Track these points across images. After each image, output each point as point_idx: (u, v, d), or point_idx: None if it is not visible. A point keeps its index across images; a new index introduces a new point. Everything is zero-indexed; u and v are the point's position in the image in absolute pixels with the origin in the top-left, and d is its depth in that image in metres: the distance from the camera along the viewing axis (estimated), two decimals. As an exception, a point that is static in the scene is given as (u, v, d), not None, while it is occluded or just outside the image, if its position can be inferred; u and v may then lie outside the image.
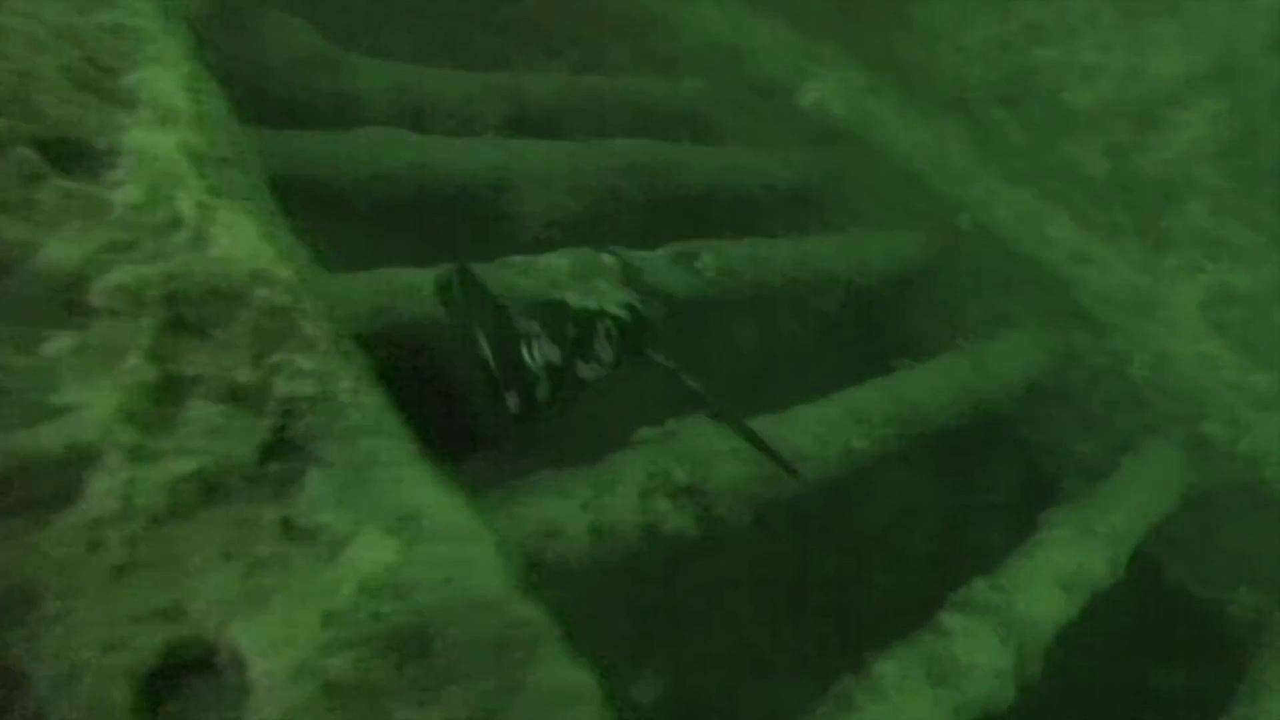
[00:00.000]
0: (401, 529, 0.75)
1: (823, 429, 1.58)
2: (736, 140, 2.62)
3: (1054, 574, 1.62)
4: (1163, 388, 2.19)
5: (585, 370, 1.25)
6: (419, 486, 0.80)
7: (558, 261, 1.59)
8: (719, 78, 2.64)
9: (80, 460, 0.70)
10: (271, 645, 0.63)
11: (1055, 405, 2.33)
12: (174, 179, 1.04)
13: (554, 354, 1.22)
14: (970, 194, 2.50)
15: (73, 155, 1.03)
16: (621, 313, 1.30)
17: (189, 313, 0.86)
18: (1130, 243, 2.43)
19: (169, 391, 0.78)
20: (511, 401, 1.18)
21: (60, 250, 0.86)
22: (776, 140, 2.59)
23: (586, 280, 1.47)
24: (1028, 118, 2.58)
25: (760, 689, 2.54)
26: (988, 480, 2.54)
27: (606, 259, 1.67)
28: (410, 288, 1.32)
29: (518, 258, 1.58)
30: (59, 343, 0.77)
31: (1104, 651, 2.05)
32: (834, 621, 2.47)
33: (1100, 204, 2.46)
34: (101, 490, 0.69)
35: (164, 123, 1.14)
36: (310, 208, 1.72)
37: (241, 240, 0.97)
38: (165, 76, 1.21)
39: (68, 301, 0.83)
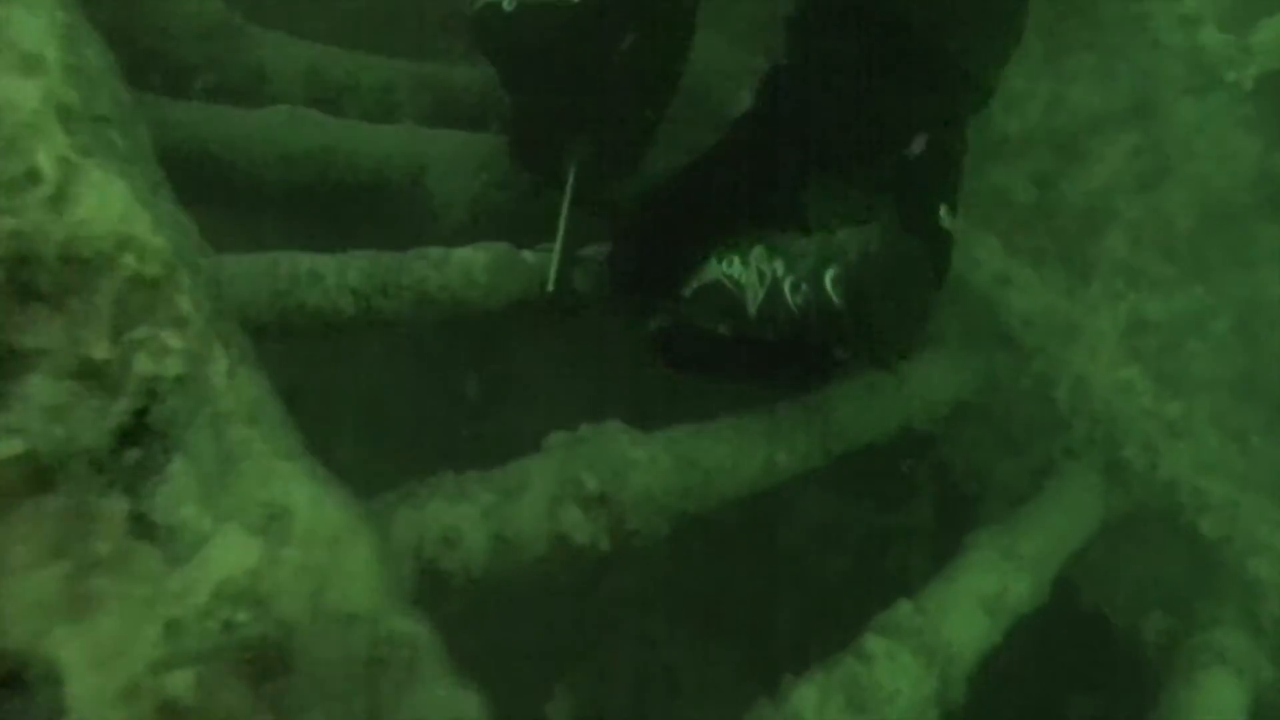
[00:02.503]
0: (268, 529, 0.66)
1: (743, 441, 1.52)
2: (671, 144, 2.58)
3: (977, 597, 1.59)
4: (1083, 412, 2.19)
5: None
6: (294, 482, 0.71)
7: (474, 255, 1.51)
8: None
9: (-119, 437, 0.60)
10: (98, 659, 0.54)
11: (977, 427, 2.32)
12: (34, 130, 0.93)
13: None
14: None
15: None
16: None
17: (40, 278, 0.76)
18: (1054, 269, 2.43)
19: (6, 364, 0.68)
20: None
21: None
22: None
23: None
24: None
25: (673, 709, 2.48)
26: (908, 501, 2.52)
27: (527, 255, 1.60)
28: (312, 274, 1.22)
29: (433, 249, 1.49)
30: None
31: (1024, 677, 2.03)
32: (749, 642, 2.42)
33: (1026, 230, 2.47)
34: (-96, 472, 0.59)
35: (26, 70, 1.03)
36: (210, 186, 1.61)
37: (110, 204, 0.86)
38: (32, 21, 1.09)
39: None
